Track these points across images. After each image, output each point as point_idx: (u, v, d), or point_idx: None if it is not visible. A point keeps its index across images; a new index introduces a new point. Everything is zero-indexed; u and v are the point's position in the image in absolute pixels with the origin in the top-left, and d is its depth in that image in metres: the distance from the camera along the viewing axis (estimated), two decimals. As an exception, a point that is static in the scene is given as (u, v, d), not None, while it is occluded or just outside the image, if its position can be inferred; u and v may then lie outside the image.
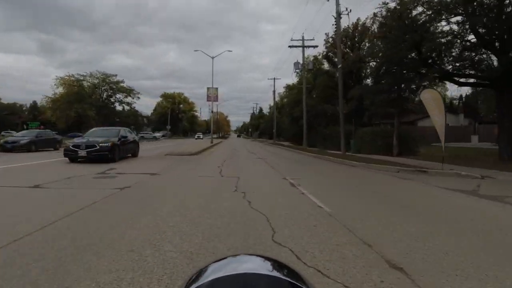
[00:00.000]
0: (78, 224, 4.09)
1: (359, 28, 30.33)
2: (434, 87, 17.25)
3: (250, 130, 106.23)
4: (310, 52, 35.32)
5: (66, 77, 39.08)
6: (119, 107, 49.68)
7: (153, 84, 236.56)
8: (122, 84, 38.08)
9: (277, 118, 50.81)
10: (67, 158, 11.33)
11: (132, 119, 69.18)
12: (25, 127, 35.42)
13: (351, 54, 30.52)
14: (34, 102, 68.06)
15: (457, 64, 13.98)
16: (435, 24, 13.43)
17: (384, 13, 16.66)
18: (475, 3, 12.34)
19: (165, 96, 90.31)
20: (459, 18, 13.11)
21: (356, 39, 31.20)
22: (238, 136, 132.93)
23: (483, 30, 12.75)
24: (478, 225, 4.40)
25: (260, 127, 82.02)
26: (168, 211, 4.77)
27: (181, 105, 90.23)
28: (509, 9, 12.20)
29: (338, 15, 19.04)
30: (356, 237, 3.75)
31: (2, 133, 40.52)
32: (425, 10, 13.83)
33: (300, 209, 5.18)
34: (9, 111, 74.38)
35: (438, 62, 14.43)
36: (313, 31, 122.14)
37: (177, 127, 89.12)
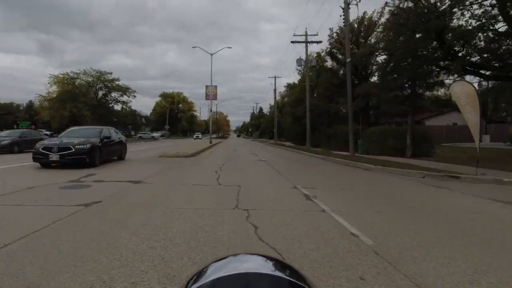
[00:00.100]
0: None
1: (365, 22, 28.79)
2: (453, 80, 15.71)
3: (250, 130, 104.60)
4: (313, 49, 33.73)
5: (60, 76, 37.50)
6: (117, 107, 48.05)
7: (153, 84, 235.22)
8: (117, 82, 36.46)
9: (278, 117, 49.25)
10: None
11: (130, 118, 67.71)
12: (15, 126, 33.84)
13: (357, 50, 28.96)
14: (30, 102, 66.41)
15: (485, 55, 12.39)
16: (461, 9, 11.84)
17: (397, 0, 15.13)
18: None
19: (164, 95, 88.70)
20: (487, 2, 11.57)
21: (362, 34, 29.62)
22: (238, 136, 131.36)
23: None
24: None
25: (261, 127, 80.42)
26: (134, 249, 3.20)
27: (180, 105, 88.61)
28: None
29: (347, 5, 17.46)
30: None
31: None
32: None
33: (328, 239, 3.62)
34: (5, 111, 73.10)
35: (463, 52, 12.85)
36: (313, 30, 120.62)
37: (176, 127, 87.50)
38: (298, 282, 0.51)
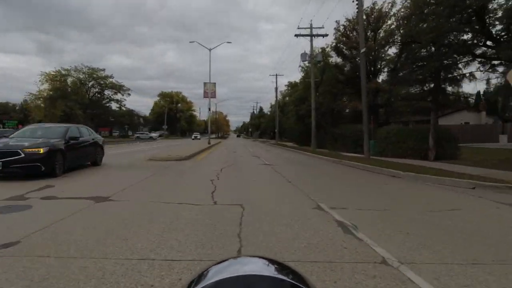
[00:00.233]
0: None
1: (375, 14, 26.72)
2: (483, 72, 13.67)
3: (250, 130, 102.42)
4: (317, 44, 31.49)
5: (52, 73, 35.33)
6: (115, 107, 45.94)
7: (153, 84, 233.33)
8: (111, 80, 34.28)
9: (279, 117, 47.18)
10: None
11: (127, 118, 65.61)
12: (0, 126, 31.73)
13: (365, 43, 26.85)
14: (25, 101, 64.18)
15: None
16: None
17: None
18: None
19: (162, 95, 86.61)
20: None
21: (370, 26, 27.51)
22: (238, 136, 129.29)
23: None
24: None
25: (261, 126, 78.30)
26: None
27: (179, 105, 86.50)
28: None
29: (361, -13, 15.41)
30: None
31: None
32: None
33: None
34: (1, 111, 71.33)
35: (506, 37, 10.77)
36: (316, 25, 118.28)
37: (175, 127, 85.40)
38: (300, 285, 0.50)
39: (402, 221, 4.51)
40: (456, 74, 14.19)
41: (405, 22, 14.67)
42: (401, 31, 15.48)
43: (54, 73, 33.46)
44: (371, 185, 8.07)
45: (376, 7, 26.14)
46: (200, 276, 0.53)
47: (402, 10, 16.61)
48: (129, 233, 3.74)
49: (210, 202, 5.47)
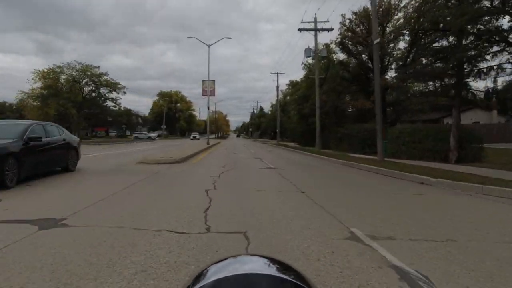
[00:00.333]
0: None
1: (383, 7, 25.17)
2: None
3: (250, 130, 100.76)
4: (321, 40, 29.79)
5: (45, 71, 33.67)
6: (111, 106, 44.42)
7: (153, 84, 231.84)
8: (106, 78, 32.58)
9: (280, 116, 45.63)
10: None
11: (125, 118, 64.03)
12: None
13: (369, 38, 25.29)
14: (21, 101, 62.60)
15: None
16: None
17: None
18: None
19: (161, 94, 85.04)
20: None
21: (378, 20, 25.89)
22: (238, 136, 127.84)
23: None
24: None
25: (261, 126, 76.71)
26: None
27: (178, 104, 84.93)
28: None
29: (375, -28, 13.86)
30: None
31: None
32: None
33: None
34: (-3, 111, 70.31)
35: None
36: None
37: (174, 127, 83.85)
38: (299, 283, 0.50)
39: (492, 265, 2.95)
40: (482, 67, 12.66)
41: (425, 7, 13.07)
42: (421, 20, 13.83)
43: (46, 71, 31.81)
44: (403, 196, 6.51)
45: (385, 0, 24.61)
46: (200, 275, 0.52)
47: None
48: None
49: (201, 228, 3.91)
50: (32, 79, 34.24)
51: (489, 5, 9.67)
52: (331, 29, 24.79)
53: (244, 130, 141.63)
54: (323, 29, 24.80)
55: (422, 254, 3.17)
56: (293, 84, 45.13)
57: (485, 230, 4.10)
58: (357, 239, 3.60)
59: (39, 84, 31.78)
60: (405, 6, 21.32)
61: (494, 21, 10.34)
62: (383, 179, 9.03)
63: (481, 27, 10.88)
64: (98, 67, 31.49)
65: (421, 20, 13.44)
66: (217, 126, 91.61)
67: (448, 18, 11.30)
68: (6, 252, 3.04)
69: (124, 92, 33.75)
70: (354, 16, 25.49)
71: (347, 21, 25.99)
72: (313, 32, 24.98)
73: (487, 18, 10.27)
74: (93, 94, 33.87)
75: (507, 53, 11.76)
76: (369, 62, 26.38)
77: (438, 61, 14.99)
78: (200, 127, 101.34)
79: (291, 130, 49.75)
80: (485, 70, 12.66)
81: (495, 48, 11.48)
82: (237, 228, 3.91)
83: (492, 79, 15.71)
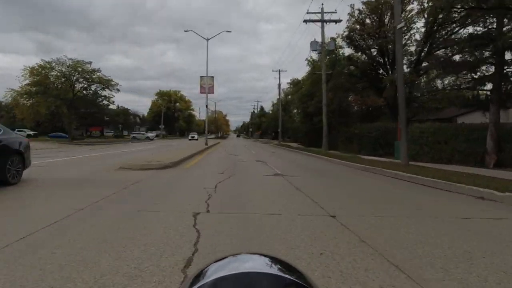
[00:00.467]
0: None
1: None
2: None
3: (251, 129, 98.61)
4: (327, 34, 27.29)
5: (35, 67, 31.48)
6: (106, 104, 42.35)
7: (153, 84, 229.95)
8: (98, 74, 30.38)
9: (282, 116, 43.59)
10: None
11: (122, 117, 61.96)
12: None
13: (379, 31, 23.21)
14: (14, 99, 60.42)
15: None
16: None
17: None
18: None
19: (160, 94, 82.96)
20: None
21: (388, 13, 23.83)
22: (238, 136, 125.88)
23: None
24: None
25: (262, 126, 74.61)
26: None
27: (177, 104, 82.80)
28: None
29: None
30: None
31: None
32: None
33: None
34: (-8, 110, 68.39)
35: None
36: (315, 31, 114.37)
37: (173, 126, 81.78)
38: (300, 281, 0.49)
39: None
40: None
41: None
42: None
43: (36, 67, 29.62)
44: (475, 223, 4.43)
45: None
46: (200, 274, 0.51)
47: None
48: None
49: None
50: (22, 76, 32.14)
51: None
52: (339, 21, 22.72)
53: (244, 130, 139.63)
54: (330, 20, 22.73)
55: None
56: (294, 83, 43.12)
57: None
58: None
59: (28, 81, 29.61)
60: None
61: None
62: (420, 191, 6.96)
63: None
64: (90, 63, 29.45)
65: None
66: (216, 126, 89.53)
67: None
68: None
69: (118, 90, 31.66)
70: (364, 7, 23.44)
71: (356, 12, 23.94)
72: (319, 24, 22.90)
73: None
74: (85, 92, 31.66)
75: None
76: (380, 56, 24.33)
77: (466, 50, 12.93)
78: (200, 127, 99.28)
79: (293, 129, 47.71)
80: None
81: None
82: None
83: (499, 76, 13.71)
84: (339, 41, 27.27)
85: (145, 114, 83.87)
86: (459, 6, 11.46)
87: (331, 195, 6.40)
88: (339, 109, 29.04)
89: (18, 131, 48.81)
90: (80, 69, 28.94)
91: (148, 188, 6.67)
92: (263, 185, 7.49)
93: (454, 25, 20.76)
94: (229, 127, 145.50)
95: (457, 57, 15.00)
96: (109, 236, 3.52)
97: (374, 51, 25.20)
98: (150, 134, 59.33)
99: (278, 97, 44.54)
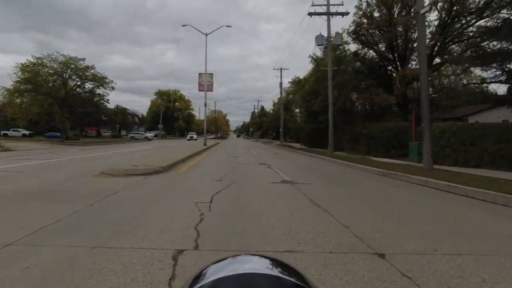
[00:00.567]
0: None
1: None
2: None
3: (251, 129, 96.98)
4: (333, 29, 25.45)
5: (26, 64, 29.84)
6: (100, 102, 40.82)
7: (153, 85, 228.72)
8: (92, 71, 28.73)
9: (283, 115, 42.04)
10: None
11: (120, 117, 60.43)
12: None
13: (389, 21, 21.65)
14: (8, 97, 58.79)
15: None
16: None
17: None
18: None
19: (159, 93, 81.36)
20: None
21: (398, 5, 22.24)
22: (238, 136, 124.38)
23: None
24: None
25: (263, 126, 73.02)
26: None
27: (177, 103, 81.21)
28: None
29: None
30: None
31: None
32: None
33: None
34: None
35: None
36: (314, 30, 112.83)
37: (172, 126, 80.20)
38: (299, 283, 0.49)
39: None
40: None
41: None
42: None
43: (26, 64, 27.96)
44: None
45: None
46: (199, 275, 0.51)
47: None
48: None
49: None
50: (14, 73, 30.55)
51: None
52: (346, 13, 21.15)
53: (244, 130, 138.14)
54: (336, 13, 21.17)
55: None
56: (296, 82, 41.55)
57: None
58: None
59: (18, 79, 28.01)
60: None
61: None
62: (489, 212, 5.44)
63: None
64: (84, 59, 27.84)
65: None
66: (216, 126, 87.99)
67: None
68: None
69: (112, 88, 30.01)
70: (372, -1, 21.89)
71: (364, 4, 22.42)
72: (324, 17, 21.35)
73: None
74: (78, 90, 30.04)
75: None
76: (389, 52, 22.79)
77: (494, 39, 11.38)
78: (200, 127, 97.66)
79: (295, 129, 46.16)
80: None
81: None
82: None
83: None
84: (345, 37, 25.67)
85: (145, 114, 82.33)
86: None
87: (361, 214, 4.86)
88: (344, 108, 27.50)
89: (12, 130, 47.63)
90: (72, 66, 27.35)
91: (122, 204, 5.12)
92: (271, 198, 5.95)
93: (470, 17, 19.30)
94: (229, 127, 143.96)
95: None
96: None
97: (382, 47, 23.68)
98: (149, 134, 57.78)
99: (279, 96, 43.03)
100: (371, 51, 24.70)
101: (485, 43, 18.40)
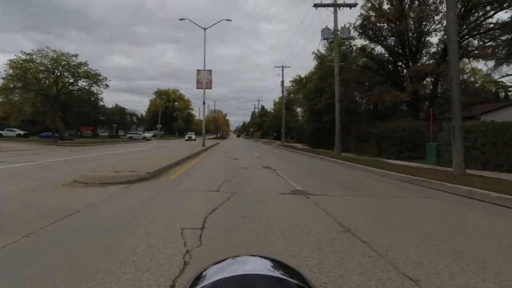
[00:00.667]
0: None
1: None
2: None
3: (251, 129, 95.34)
4: (341, 22, 23.68)
5: (15, 60, 28.11)
6: (100, 102, 39.32)
7: (153, 85, 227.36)
8: (85, 68, 27.10)
9: (285, 115, 40.55)
10: None
11: (118, 117, 58.90)
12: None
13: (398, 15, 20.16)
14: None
15: None
16: None
17: None
18: None
19: (158, 93, 79.81)
20: None
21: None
22: (238, 136, 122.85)
23: None
24: None
25: (264, 126, 71.46)
26: None
27: (176, 103, 79.63)
28: None
29: None
30: None
31: None
32: None
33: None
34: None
35: None
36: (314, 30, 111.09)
37: (171, 126, 78.65)
38: (300, 283, 0.48)
39: None
40: None
41: None
42: None
43: (15, 59, 26.30)
44: None
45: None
46: (199, 276, 0.50)
47: None
48: None
49: None
50: (5, 71, 28.95)
51: None
52: (355, 5, 19.62)
53: (245, 130, 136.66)
54: (344, 5, 19.63)
55: None
56: (298, 81, 40.03)
57: None
58: None
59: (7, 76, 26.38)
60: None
61: None
62: None
63: None
64: (76, 55, 26.26)
65: None
66: (216, 126, 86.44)
67: None
68: None
69: (107, 85, 28.45)
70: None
71: (374, -5, 20.89)
72: (331, 9, 19.86)
73: None
74: (70, 87, 28.41)
75: None
76: (400, 46, 21.27)
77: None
78: (199, 127, 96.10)
79: (297, 129, 44.68)
80: None
81: None
82: None
83: None
84: (351, 32, 24.14)
85: (144, 114, 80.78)
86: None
87: (414, 248, 3.34)
88: (349, 107, 25.99)
89: (7, 130, 46.06)
90: (64, 63, 25.79)
91: (72, 235, 3.58)
92: (283, 217, 4.43)
93: (489, 7, 17.81)
94: (229, 127, 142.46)
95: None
96: None
97: (391, 41, 22.16)
98: (147, 134, 56.22)
99: (280, 96, 41.54)
100: (379, 47, 23.20)
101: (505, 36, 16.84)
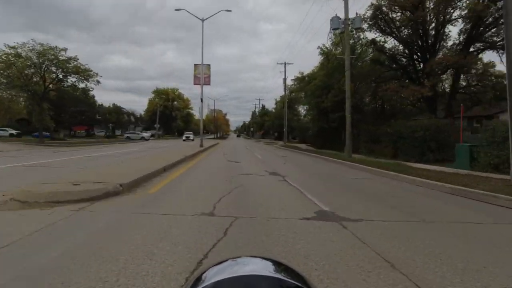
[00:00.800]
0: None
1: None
2: None
3: (252, 129, 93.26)
4: (351, 10, 21.48)
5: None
6: (91, 99, 37.26)
7: (153, 85, 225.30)
8: (75, 63, 25.03)
9: (287, 114, 38.57)
10: None
11: (114, 116, 56.96)
12: None
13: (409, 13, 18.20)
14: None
15: None
16: None
17: None
18: None
19: (157, 92, 77.78)
20: None
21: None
22: (238, 136, 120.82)
23: None
24: None
25: (265, 125, 69.41)
26: None
27: (175, 102, 77.60)
28: None
29: None
30: None
31: None
32: None
33: None
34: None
35: None
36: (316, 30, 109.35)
37: (170, 126, 76.65)
38: (300, 285, 0.48)
39: None
40: None
41: None
42: None
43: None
44: None
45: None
46: (200, 278, 0.50)
47: None
48: None
49: None
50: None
51: None
52: (367, -8, 17.66)
53: (245, 130, 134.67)
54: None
55: None
56: (300, 79, 38.05)
57: None
58: None
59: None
60: None
61: None
62: None
63: None
64: (66, 49, 24.26)
65: None
66: (216, 126, 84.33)
67: None
68: None
69: (98, 81, 26.44)
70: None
71: (387, -19, 18.90)
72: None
73: None
74: (60, 84, 26.37)
75: None
76: (417, 37, 19.28)
77: None
78: (199, 127, 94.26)
79: (299, 129, 42.69)
80: None
81: None
82: None
83: None
84: (362, 23, 22.14)
85: (144, 114, 78.81)
86: None
87: None
88: (357, 105, 24.02)
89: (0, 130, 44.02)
90: (52, 57, 23.80)
91: None
92: (317, 270, 2.43)
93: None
94: (229, 127, 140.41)
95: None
96: None
97: (405, 32, 20.16)
98: (145, 134, 54.21)
99: (282, 94, 39.58)
100: (391, 40, 21.22)
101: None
